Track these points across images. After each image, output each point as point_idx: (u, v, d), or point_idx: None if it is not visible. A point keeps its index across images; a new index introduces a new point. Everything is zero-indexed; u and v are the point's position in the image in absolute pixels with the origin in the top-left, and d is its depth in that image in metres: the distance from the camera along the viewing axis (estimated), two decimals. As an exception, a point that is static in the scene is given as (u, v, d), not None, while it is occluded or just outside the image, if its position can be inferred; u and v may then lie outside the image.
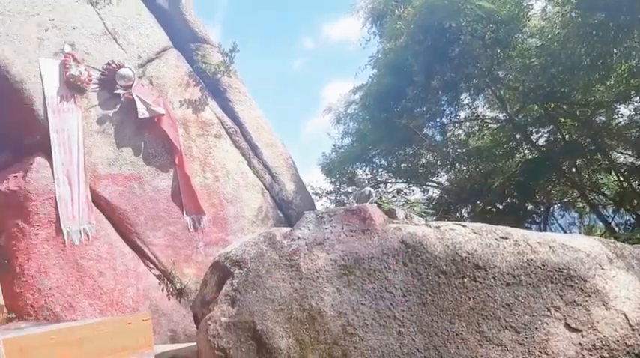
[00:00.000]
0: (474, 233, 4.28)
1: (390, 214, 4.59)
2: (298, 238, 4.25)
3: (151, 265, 8.55)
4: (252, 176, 10.25)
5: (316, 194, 16.67)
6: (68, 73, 8.41)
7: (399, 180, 16.68)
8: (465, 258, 4.07)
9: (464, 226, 4.40)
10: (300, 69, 72.92)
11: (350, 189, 16.28)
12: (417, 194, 16.51)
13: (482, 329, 3.85)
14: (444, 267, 4.03)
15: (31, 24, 8.49)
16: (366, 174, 16.16)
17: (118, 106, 8.91)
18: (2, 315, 7.23)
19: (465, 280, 3.99)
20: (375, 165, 16.27)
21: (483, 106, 15.29)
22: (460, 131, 15.95)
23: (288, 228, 4.54)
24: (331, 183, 17.09)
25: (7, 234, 7.63)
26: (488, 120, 15.20)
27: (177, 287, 8.51)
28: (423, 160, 15.98)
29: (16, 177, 7.87)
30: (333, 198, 17.03)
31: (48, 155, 8.04)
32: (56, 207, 7.79)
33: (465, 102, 14.54)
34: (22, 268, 7.46)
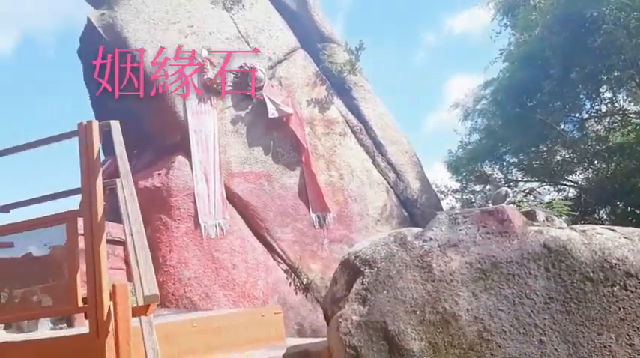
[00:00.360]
0: (625, 238, 3.91)
1: (530, 216, 4.32)
2: (430, 239, 4.14)
3: (279, 260, 8.83)
4: (377, 174, 10.23)
5: (441, 192, 16.28)
6: (205, 77, 8.92)
7: (531, 179, 15.79)
8: (615, 264, 3.73)
9: (613, 230, 4.03)
10: (421, 63, 71.75)
11: (477, 188, 15.71)
12: (551, 194, 15.53)
13: (633, 342, 3.50)
14: (591, 274, 3.72)
15: (172, 31, 9.11)
16: (496, 173, 15.49)
17: (250, 107, 9.30)
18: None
19: (615, 288, 3.65)
20: (505, 163, 15.53)
21: (625, 100, 14.02)
22: (600, 126, 14.73)
23: (420, 229, 4.44)
24: (457, 181, 16.60)
25: (152, 227, 8.25)
26: (631, 115, 13.90)
27: (304, 282, 8.71)
28: (558, 158, 14.96)
29: (159, 174, 8.49)
30: (459, 196, 16.54)
31: (187, 154, 8.58)
32: (194, 203, 8.30)
33: (605, 96, 13.44)
34: (165, 259, 8.03)
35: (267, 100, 9.15)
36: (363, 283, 4.20)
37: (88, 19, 9.02)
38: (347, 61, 10.52)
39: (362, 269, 4.29)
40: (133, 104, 8.73)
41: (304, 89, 9.96)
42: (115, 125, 5.94)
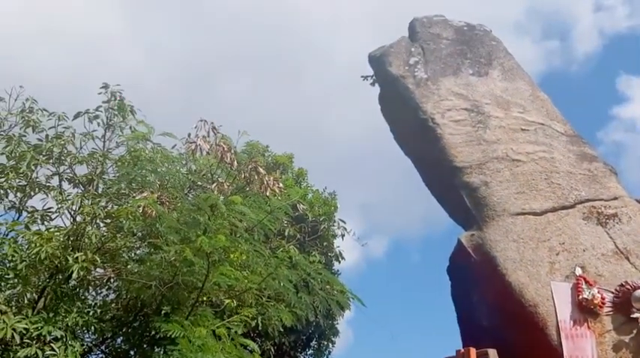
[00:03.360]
0: None
1: None
2: None
3: None
4: None
5: None
6: (581, 296, 8.19)
7: None
8: None
9: None
10: None
11: None
12: None
13: None
14: None
15: (542, 249, 8.84)
16: None
17: (635, 331, 8.07)
18: None
19: None
20: None
21: None
22: None
23: None
24: None
25: None
26: None
27: None
28: None
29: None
30: None
31: (563, 385, 7.65)
32: None
33: None
34: None
35: (658, 325, 7.77)
36: None
37: (459, 240, 9.49)
38: None
39: None
40: (500, 325, 8.46)
41: None
42: (493, 354, 5.71)
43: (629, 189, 10.23)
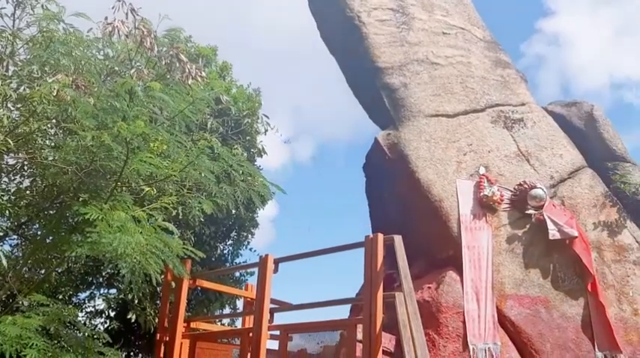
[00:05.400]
0: None
1: None
2: None
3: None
4: (684, 313, 8.57)
5: None
6: (482, 193, 8.83)
7: None
8: None
9: None
10: None
11: None
12: None
13: None
14: None
15: (451, 149, 9.38)
16: None
17: (528, 226, 8.84)
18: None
19: None
20: None
21: None
22: None
23: None
24: None
25: (419, 341, 8.15)
26: None
27: None
28: None
29: (429, 288, 8.46)
30: None
31: (458, 270, 8.40)
32: (464, 322, 7.97)
33: None
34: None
35: (547, 220, 8.59)
36: None
37: (375, 139, 9.87)
38: (643, 181, 9.40)
39: None
40: (407, 217, 9.09)
41: (591, 210, 9.11)
42: (398, 240, 6.22)
43: (545, 99, 10.83)
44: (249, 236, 12.54)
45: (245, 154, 10.87)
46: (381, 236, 5.93)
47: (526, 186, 8.99)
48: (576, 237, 8.55)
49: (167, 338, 8.50)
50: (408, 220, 8.98)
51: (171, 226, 6.31)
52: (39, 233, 7.66)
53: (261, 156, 12.28)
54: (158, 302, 10.05)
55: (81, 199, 6.55)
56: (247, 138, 11.73)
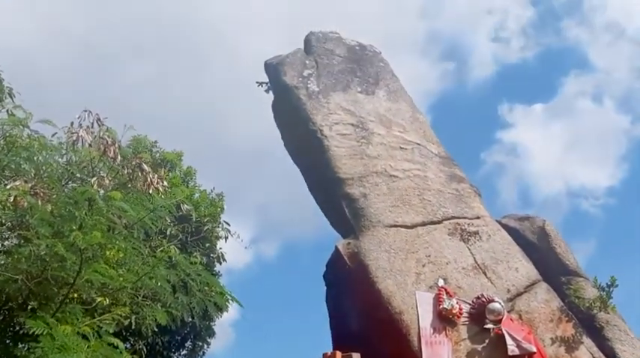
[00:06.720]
0: None
1: None
2: None
3: None
4: None
5: None
6: (441, 306, 8.80)
7: None
8: None
9: None
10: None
11: None
12: None
13: None
14: None
15: (411, 260, 9.46)
16: None
17: (487, 341, 8.74)
18: None
19: None
20: None
21: None
22: None
23: None
24: None
25: None
26: None
27: None
28: None
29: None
30: None
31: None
32: None
33: None
34: None
35: (506, 335, 8.56)
36: None
37: (336, 247, 9.91)
38: (596, 298, 9.58)
39: None
40: (368, 329, 8.95)
41: (548, 325, 9.16)
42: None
43: (505, 205, 11.21)
44: (205, 345, 12.07)
45: (205, 260, 10.73)
46: (339, 354, 5.80)
47: (484, 299, 9.00)
48: (535, 352, 8.50)
49: None
50: (369, 333, 8.84)
51: (118, 342, 6.03)
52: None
53: (220, 262, 12.15)
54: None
55: (30, 308, 6.28)
56: (207, 244, 11.63)
